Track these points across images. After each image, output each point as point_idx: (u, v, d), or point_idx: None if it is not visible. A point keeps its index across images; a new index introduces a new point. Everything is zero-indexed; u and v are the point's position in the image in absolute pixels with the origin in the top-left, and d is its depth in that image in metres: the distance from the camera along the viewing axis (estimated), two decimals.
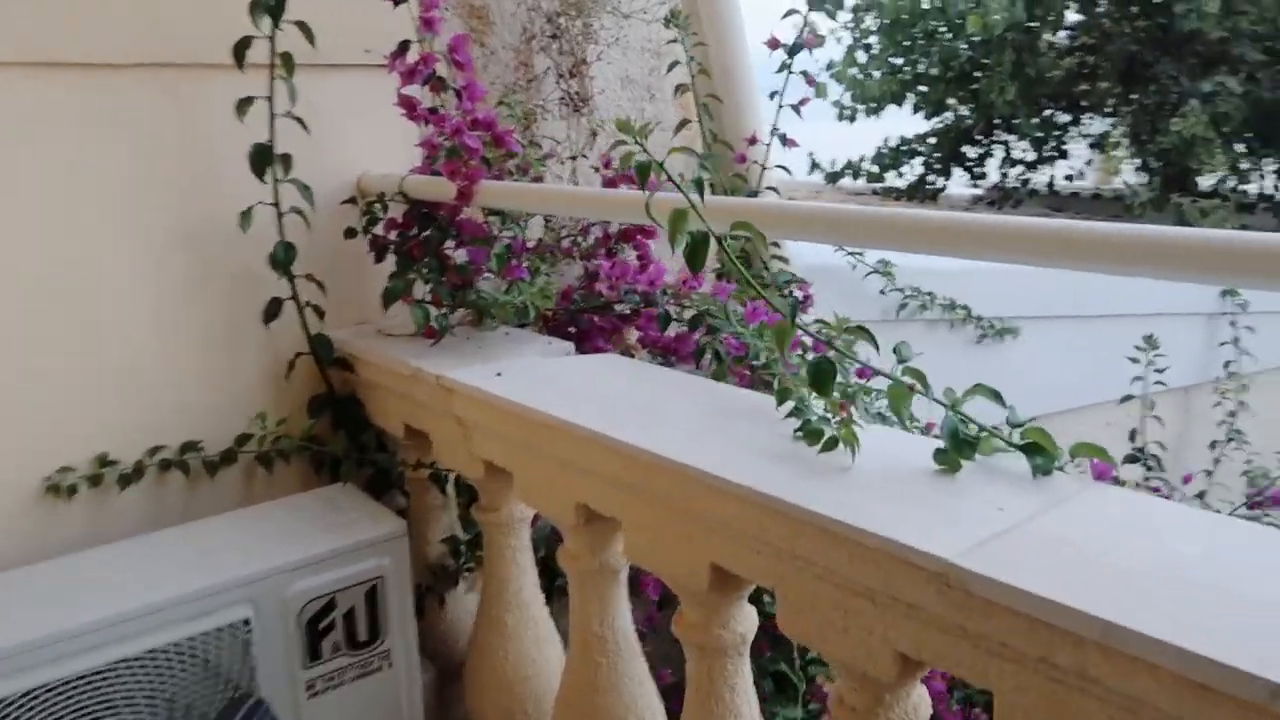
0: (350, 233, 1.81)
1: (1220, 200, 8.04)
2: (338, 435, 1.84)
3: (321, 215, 1.76)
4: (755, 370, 1.62)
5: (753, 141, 2.36)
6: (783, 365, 1.28)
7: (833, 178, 9.37)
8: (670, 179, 1.05)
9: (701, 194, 1.03)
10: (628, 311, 1.84)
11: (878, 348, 1.07)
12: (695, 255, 1.01)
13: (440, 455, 1.73)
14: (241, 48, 1.60)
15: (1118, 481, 1.15)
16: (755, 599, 1.37)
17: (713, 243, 1.13)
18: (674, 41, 1.94)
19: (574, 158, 1.99)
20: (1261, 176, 8.42)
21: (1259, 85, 7.75)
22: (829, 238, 1.07)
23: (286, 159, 1.68)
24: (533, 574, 1.77)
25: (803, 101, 2.31)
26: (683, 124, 2.07)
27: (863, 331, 1.04)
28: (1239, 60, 7.87)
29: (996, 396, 1.10)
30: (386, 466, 1.88)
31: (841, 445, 1.15)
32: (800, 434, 1.22)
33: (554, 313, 1.84)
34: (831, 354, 1.06)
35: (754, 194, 2.31)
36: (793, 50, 2.05)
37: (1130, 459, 3.25)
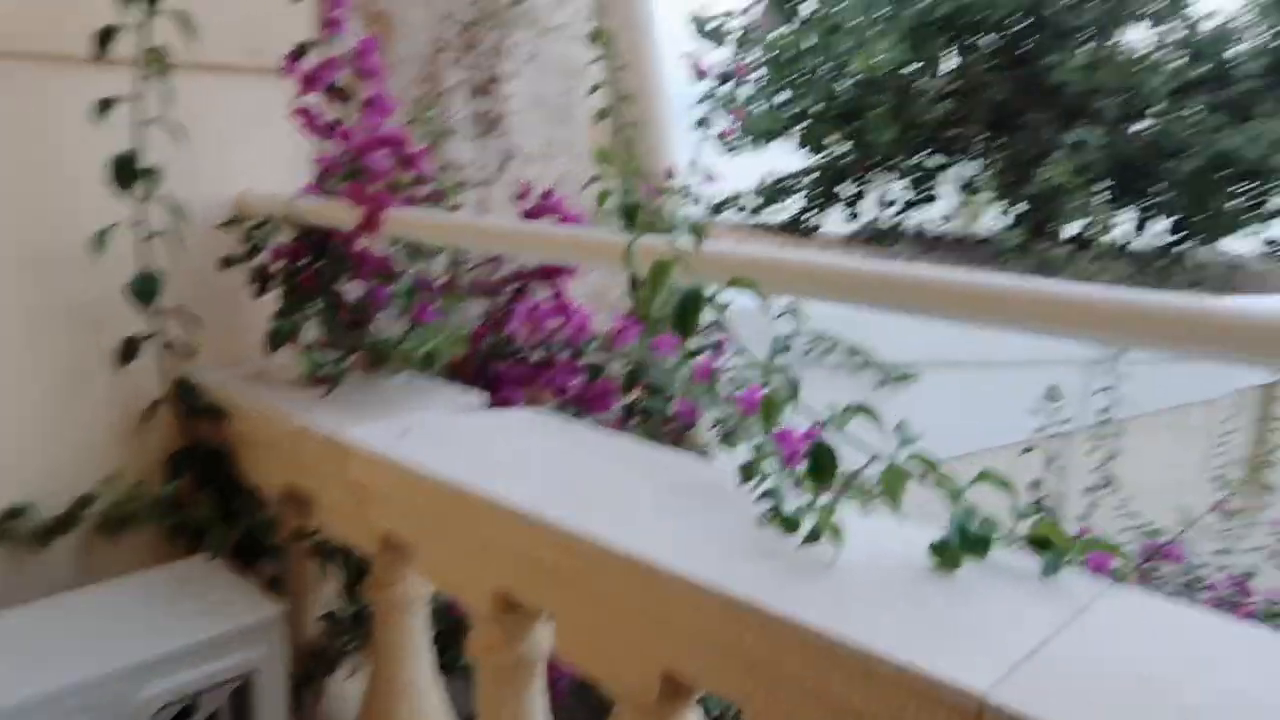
0: (228, 261, 1.55)
1: (1082, 247, 8.43)
2: (202, 498, 1.57)
3: (193, 239, 1.50)
4: (682, 432, 1.46)
5: (671, 174, 2.22)
6: (744, 439, 1.11)
7: (715, 210, 9.40)
8: (655, 223, 0.87)
9: (699, 240, 0.86)
10: (543, 359, 1.64)
11: (881, 427, 0.92)
12: (687, 317, 0.84)
13: (328, 523, 1.49)
14: (105, 38, 1.34)
15: (1116, 575, 1.03)
16: None
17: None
18: (595, 62, 1.76)
19: (484, 184, 1.79)
20: (1107, 229, 8.89)
21: (1118, 138, 8.18)
22: (844, 297, 0.91)
23: (153, 173, 1.42)
24: (430, 658, 1.55)
25: (725, 133, 2.19)
26: (606, 152, 1.90)
27: (863, 411, 0.89)
28: (1099, 114, 8.29)
29: (1006, 486, 0.97)
30: (259, 533, 1.62)
31: (824, 536, 1.00)
32: (771, 518, 1.05)
33: (461, 358, 1.63)
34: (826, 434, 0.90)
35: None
36: (724, 79, 1.91)
37: (1034, 509, 3.24)
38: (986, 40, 8.45)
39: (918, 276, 0.84)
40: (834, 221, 10.18)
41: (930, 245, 9.77)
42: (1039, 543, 0.98)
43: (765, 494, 1.06)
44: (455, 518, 1.25)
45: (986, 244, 9.45)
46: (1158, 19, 8.49)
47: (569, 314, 1.67)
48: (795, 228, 9.62)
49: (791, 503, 1.05)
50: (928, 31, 8.17)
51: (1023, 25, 8.17)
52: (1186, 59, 8.08)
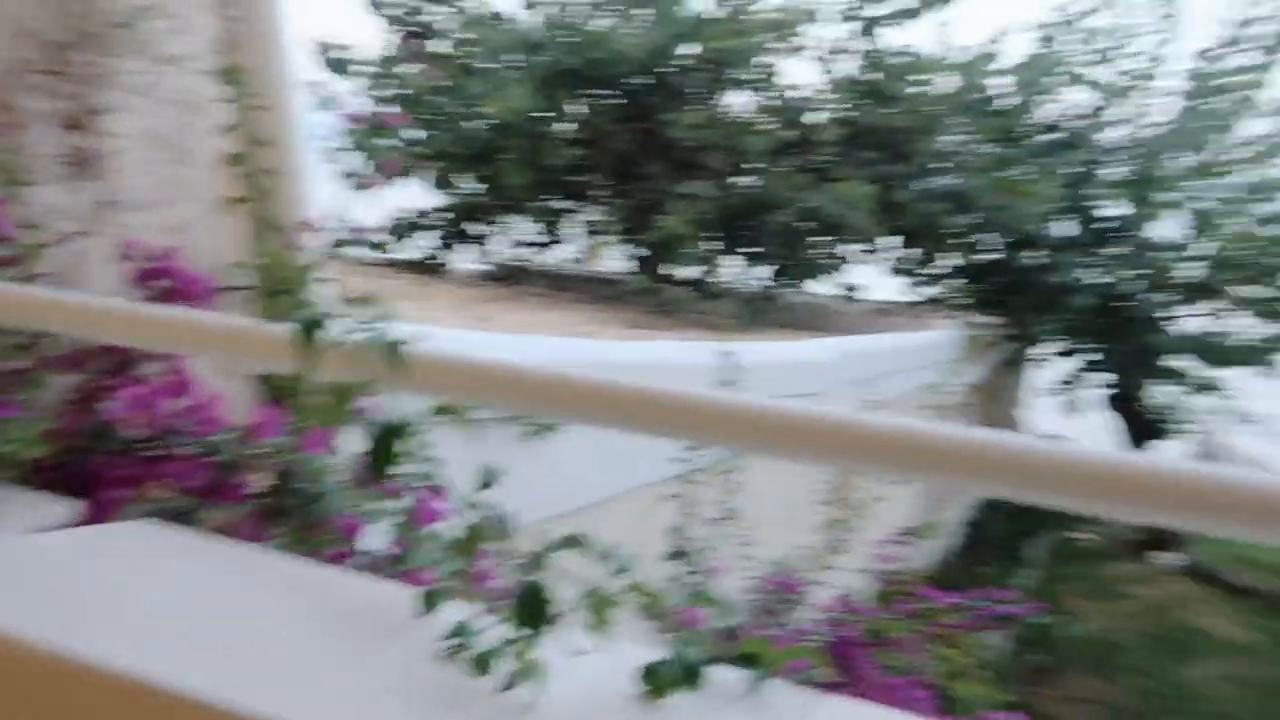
0: None
1: (698, 289, 9.10)
2: None
3: None
4: (341, 545, 1.27)
5: (309, 226, 2.00)
6: (421, 559, 0.97)
7: (339, 246, 8.97)
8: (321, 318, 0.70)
9: (394, 360, 0.70)
10: (159, 453, 1.37)
11: (589, 555, 0.82)
12: (383, 455, 0.68)
13: None
14: None
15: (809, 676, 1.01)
16: None
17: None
18: (226, 101, 1.53)
19: (79, 235, 1.46)
20: (716, 273, 9.67)
21: (726, 192, 8.94)
22: (559, 410, 0.80)
23: None
24: None
25: (372, 183, 2.03)
26: (237, 201, 1.65)
27: (576, 542, 0.79)
28: (710, 170, 9.02)
29: (724, 611, 0.91)
30: None
31: (523, 679, 0.88)
32: (456, 654, 0.92)
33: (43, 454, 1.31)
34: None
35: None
36: (375, 126, 1.75)
37: (675, 555, 3.37)
38: (611, 94, 8.88)
39: (644, 394, 0.76)
40: (466, 259, 10.14)
41: (560, 284, 10.05)
42: (745, 659, 0.94)
43: (454, 629, 0.92)
44: (40, 688, 0.97)
45: (612, 284, 9.89)
46: (755, 87, 9.43)
47: (191, 395, 1.40)
48: (425, 266, 9.45)
49: (481, 632, 0.92)
50: (557, 82, 8.41)
51: (642, 84, 8.68)
52: (779, 125, 9.03)
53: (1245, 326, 10.53)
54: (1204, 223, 10.35)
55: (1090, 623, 8.68)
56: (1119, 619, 9.03)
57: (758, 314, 8.93)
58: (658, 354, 4.60)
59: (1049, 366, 11.61)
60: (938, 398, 8.70)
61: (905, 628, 4.88)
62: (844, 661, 4.18)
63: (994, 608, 4.93)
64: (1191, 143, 10.21)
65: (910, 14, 9.28)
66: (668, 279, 9.36)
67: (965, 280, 10.80)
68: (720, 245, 9.39)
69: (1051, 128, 10.51)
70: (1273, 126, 10.48)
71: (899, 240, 10.34)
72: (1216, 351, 10.45)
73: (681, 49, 8.76)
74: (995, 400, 11.23)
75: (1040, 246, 10.29)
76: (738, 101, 9.44)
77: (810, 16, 9.06)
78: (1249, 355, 10.36)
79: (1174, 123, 10.30)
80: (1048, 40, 10.37)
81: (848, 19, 9.26)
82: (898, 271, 10.96)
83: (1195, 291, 10.48)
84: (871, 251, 10.35)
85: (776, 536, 4.91)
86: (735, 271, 9.83)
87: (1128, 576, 9.76)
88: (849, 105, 9.32)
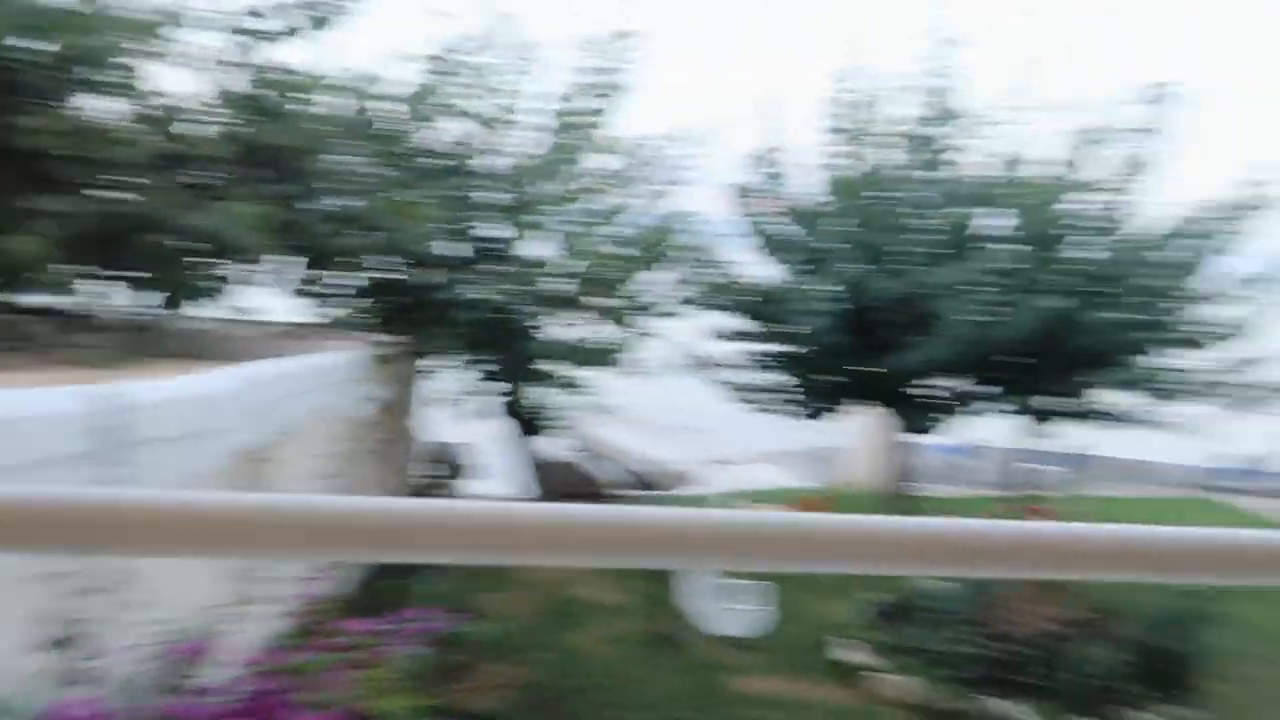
0: None
1: (62, 317, 7.96)
2: None
3: None
4: None
5: None
6: None
7: None
8: None
9: None
10: None
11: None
12: None
13: None
14: None
15: None
16: None
17: None
18: None
19: None
20: (75, 297, 8.59)
21: (97, 208, 7.93)
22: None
23: None
24: None
25: None
26: None
27: None
28: (68, 182, 7.93)
29: None
30: None
31: None
32: None
33: None
34: None
35: None
36: None
37: (57, 643, 2.92)
38: None
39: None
40: None
41: None
42: None
43: None
44: None
45: None
46: (121, 93, 8.52)
47: None
48: None
49: None
50: None
51: None
52: (160, 136, 8.30)
53: (605, 332, 12.32)
54: (569, 243, 11.87)
55: (495, 613, 9.45)
56: (519, 604, 9.98)
57: (144, 344, 8.11)
58: (7, 406, 3.86)
59: (450, 378, 12.35)
60: (344, 418, 8.75)
61: (328, 661, 4.88)
62: (268, 713, 4.03)
63: (408, 625, 5.15)
64: (552, 173, 11.63)
65: (294, 32, 9.16)
66: (22, 309, 8.06)
67: (367, 299, 11.00)
68: (90, 268, 8.33)
69: (436, 153, 11.17)
70: (613, 161, 12.38)
71: (299, 260, 10.17)
72: (581, 355, 12.06)
73: (21, 41, 7.57)
74: (401, 415, 11.62)
75: (433, 266, 10.89)
76: (105, 108, 8.45)
77: (176, 20, 8.42)
78: (605, 356, 12.14)
79: (539, 155, 11.62)
80: (429, 71, 10.99)
81: (236, 31, 8.82)
82: (300, 292, 10.77)
83: (564, 303, 11.96)
84: (269, 272, 10.03)
85: (186, 594, 4.54)
86: (112, 297, 8.81)
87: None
88: (240, 120, 8.89)
